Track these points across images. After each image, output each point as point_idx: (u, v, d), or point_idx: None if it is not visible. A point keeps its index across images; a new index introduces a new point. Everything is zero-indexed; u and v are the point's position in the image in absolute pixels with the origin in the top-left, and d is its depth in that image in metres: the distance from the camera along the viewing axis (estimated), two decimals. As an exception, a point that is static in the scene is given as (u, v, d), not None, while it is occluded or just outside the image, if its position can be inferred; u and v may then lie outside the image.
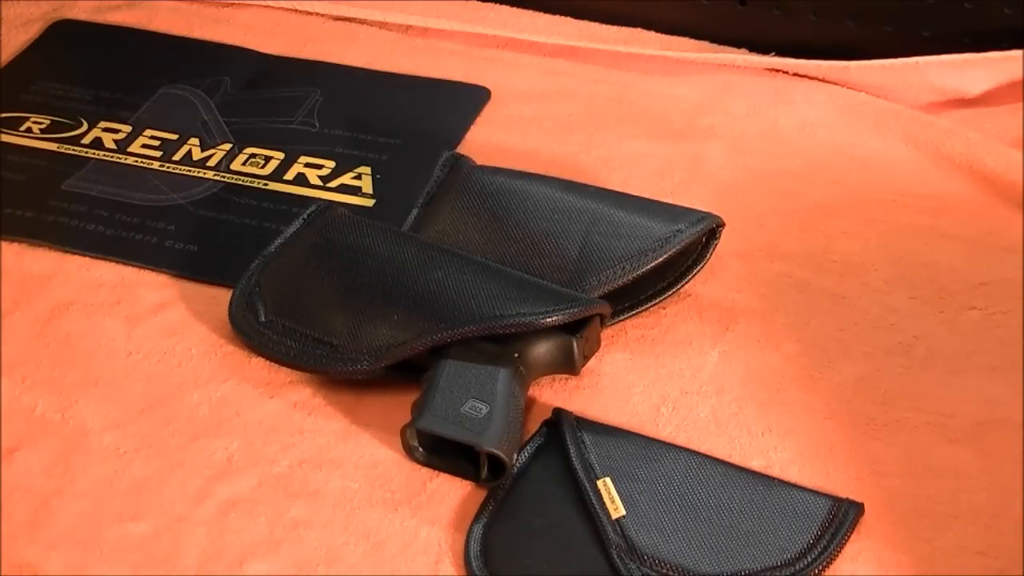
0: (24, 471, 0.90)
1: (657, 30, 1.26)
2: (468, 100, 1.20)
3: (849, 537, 0.83)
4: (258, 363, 0.96)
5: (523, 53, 1.25)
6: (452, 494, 0.88)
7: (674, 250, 0.97)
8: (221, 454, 0.91)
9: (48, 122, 1.18)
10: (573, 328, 0.92)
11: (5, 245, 1.07)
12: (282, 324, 0.96)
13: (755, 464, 0.88)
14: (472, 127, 1.17)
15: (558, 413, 0.91)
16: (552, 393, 0.94)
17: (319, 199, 1.06)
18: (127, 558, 0.85)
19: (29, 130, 1.18)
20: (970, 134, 1.12)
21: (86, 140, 1.16)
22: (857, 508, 0.85)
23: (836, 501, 0.85)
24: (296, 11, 1.30)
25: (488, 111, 1.18)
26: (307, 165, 1.13)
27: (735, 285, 1.01)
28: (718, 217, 0.99)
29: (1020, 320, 0.97)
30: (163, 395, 0.95)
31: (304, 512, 0.87)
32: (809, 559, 0.82)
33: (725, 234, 0.99)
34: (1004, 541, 0.83)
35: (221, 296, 1.00)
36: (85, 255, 1.06)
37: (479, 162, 1.07)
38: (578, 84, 1.21)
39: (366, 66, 1.24)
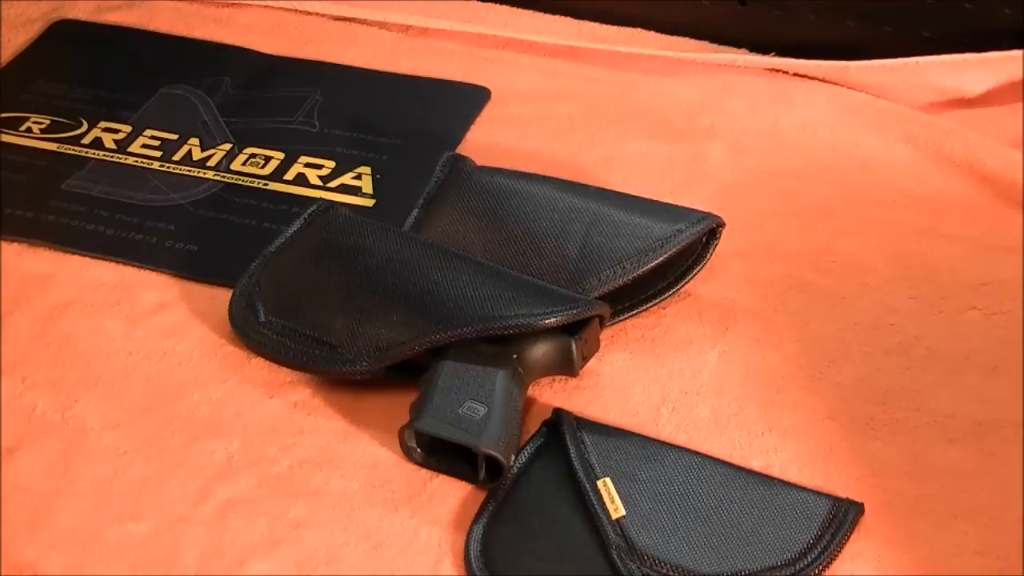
0: (24, 471, 0.89)
1: (657, 30, 1.26)
2: (468, 100, 1.20)
3: (849, 537, 0.83)
4: (258, 363, 0.96)
5: (523, 53, 1.25)
6: (452, 494, 0.88)
7: (674, 250, 0.97)
8: (221, 454, 0.91)
9: (48, 122, 1.18)
10: (572, 329, 0.92)
11: (5, 245, 1.06)
12: (282, 324, 0.96)
13: (755, 464, 0.88)
14: (472, 127, 1.17)
15: (558, 413, 0.90)
16: (552, 393, 0.94)
17: (319, 199, 1.06)
18: (127, 558, 0.85)
19: (29, 130, 1.18)
20: (970, 134, 1.12)
21: (86, 140, 1.16)
22: (857, 508, 0.84)
23: (836, 501, 0.85)
24: (296, 11, 1.30)
25: (488, 111, 1.18)
26: (307, 165, 1.13)
27: (735, 285, 1.01)
28: (718, 217, 0.99)
29: (1020, 320, 0.97)
30: (163, 395, 0.95)
31: (304, 512, 0.87)
32: (809, 559, 0.82)
33: (725, 234, 0.99)
34: (1004, 541, 0.83)
35: (221, 296, 1.00)
36: (85, 255, 1.06)
37: (479, 162, 1.07)
38: (578, 84, 1.21)
39: (366, 66, 1.24)
